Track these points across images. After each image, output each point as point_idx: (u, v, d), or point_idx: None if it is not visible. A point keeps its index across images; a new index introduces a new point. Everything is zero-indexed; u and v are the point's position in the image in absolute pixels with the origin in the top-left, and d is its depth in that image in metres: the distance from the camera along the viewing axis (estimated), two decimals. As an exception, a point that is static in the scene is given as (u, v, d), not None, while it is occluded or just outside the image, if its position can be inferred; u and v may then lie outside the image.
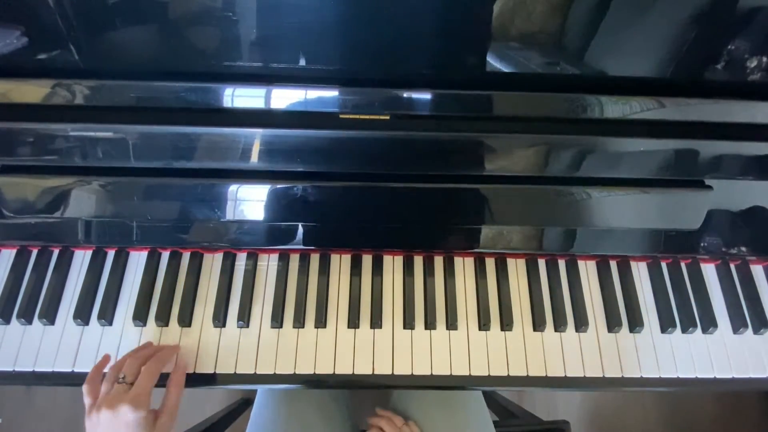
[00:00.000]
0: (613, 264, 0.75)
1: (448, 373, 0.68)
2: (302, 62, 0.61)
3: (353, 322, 0.70)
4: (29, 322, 0.69)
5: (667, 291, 0.73)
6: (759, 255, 0.75)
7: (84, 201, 0.67)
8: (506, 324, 0.70)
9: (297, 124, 0.63)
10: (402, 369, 0.68)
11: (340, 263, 0.74)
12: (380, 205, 0.68)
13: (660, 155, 0.66)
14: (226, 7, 0.56)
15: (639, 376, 0.69)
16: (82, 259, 0.73)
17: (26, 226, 0.70)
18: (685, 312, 0.72)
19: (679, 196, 0.69)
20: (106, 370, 0.61)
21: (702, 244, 0.73)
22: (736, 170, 0.67)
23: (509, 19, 0.57)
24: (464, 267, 0.74)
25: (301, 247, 0.72)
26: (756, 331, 0.72)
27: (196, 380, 0.67)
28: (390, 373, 0.68)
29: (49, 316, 0.69)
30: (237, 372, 0.67)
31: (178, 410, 0.60)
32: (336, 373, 0.67)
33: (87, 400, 0.58)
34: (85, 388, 0.59)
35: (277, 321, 0.70)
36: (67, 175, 0.66)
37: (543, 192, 0.68)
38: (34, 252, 0.73)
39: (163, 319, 0.69)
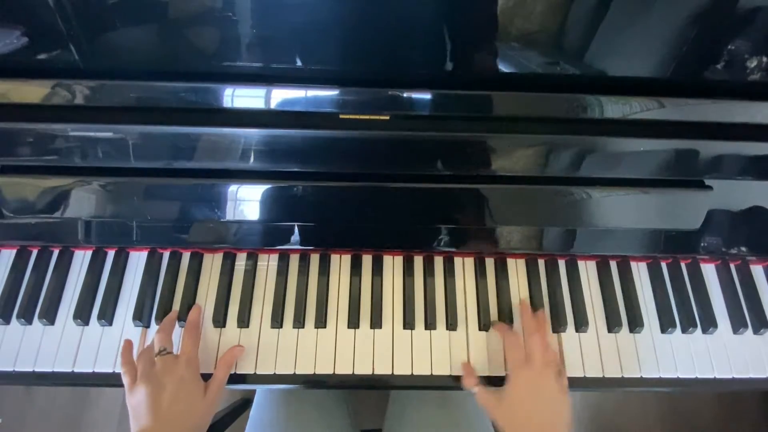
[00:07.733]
0: (613, 264, 0.75)
1: (448, 373, 0.68)
2: (302, 62, 0.61)
3: (353, 322, 0.70)
4: (29, 322, 0.69)
5: (667, 291, 0.73)
6: (759, 255, 0.75)
7: (84, 201, 0.67)
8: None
9: (297, 124, 0.63)
10: (402, 369, 0.68)
11: (340, 263, 0.74)
12: (380, 205, 0.68)
13: (660, 155, 0.66)
14: (225, 7, 0.56)
15: (639, 376, 0.69)
16: (82, 259, 0.73)
17: (26, 226, 0.70)
18: (685, 312, 0.72)
19: (679, 196, 0.69)
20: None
21: (702, 244, 0.73)
22: (736, 170, 0.67)
23: (509, 19, 0.56)
24: (464, 267, 0.74)
25: (301, 247, 0.72)
26: (756, 331, 0.72)
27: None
28: (390, 373, 0.68)
29: (49, 316, 0.69)
30: (237, 372, 0.67)
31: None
32: (336, 373, 0.67)
33: (127, 380, 0.62)
34: (123, 369, 0.63)
35: (277, 321, 0.70)
36: (67, 175, 0.66)
37: (543, 192, 0.68)
38: (34, 252, 0.73)
39: (163, 320, 0.69)
